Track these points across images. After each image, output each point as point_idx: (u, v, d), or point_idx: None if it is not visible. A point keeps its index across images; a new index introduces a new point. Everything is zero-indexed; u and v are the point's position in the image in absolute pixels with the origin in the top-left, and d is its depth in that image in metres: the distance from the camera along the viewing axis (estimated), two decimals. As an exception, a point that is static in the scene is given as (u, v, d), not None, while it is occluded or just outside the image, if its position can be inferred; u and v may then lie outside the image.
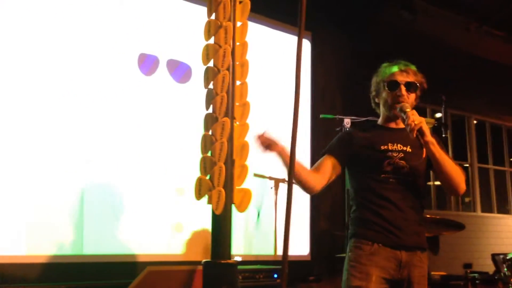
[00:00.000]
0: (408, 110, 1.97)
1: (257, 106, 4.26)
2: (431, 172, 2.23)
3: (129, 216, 3.74)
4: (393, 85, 2.09)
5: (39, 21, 3.57)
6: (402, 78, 2.10)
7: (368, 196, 2.08)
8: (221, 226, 0.84)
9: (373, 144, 2.13)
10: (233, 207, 0.93)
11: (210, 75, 0.89)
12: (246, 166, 0.87)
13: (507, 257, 3.75)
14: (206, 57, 0.90)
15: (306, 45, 5.21)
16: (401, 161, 2.06)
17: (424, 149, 2.01)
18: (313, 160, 4.98)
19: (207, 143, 0.87)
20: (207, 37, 0.91)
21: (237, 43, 0.92)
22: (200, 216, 3.79)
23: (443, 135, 3.79)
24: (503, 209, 7.63)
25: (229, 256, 0.85)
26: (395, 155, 2.08)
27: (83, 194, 3.57)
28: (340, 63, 5.46)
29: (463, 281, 3.90)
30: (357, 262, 2.02)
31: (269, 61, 4.72)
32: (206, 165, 0.86)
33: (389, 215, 2.03)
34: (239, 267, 3.54)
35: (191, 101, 3.95)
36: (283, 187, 4.09)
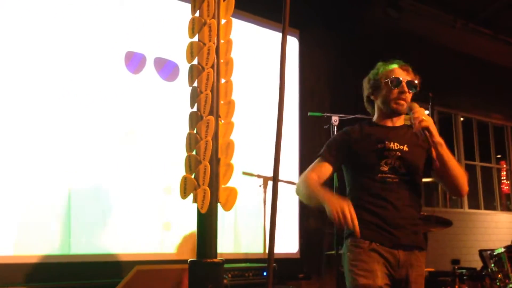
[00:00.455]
0: (416, 108, 1.98)
1: (244, 104, 4.26)
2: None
3: (117, 215, 3.71)
4: (396, 81, 2.09)
5: (21, 21, 3.52)
6: (404, 76, 2.12)
7: (365, 195, 2.06)
8: (206, 225, 0.84)
9: (370, 143, 2.10)
10: (219, 206, 0.92)
11: (194, 73, 0.88)
12: (231, 164, 0.87)
13: (494, 253, 3.80)
14: (191, 55, 0.89)
15: (294, 43, 5.21)
16: (398, 161, 2.05)
17: (430, 148, 2.00)
18: (302, 158, 4.99)
19: (192, 141, 0.86)
20: (191, 34, 0.90)
21: (222, 41, 0.91)
22: (188, 214, 3.78)
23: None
24: (490, 206, 7.72)
25: (215, 255, 0.85)
26: (392, 154, 2.06)
27: (70, 193, 3.54)
28: (328, 61, 5.47)
29: (451, 277, 3.94)
30: (359, 261, 1.98)
31: (256, 59, 4.71)
32: (191, 164, 0.85)
33: (386, 215, 2.01)
34: (229, 265, 3.55)
35: (179, 99, 3.93)
36: (272, 185, 4.09)
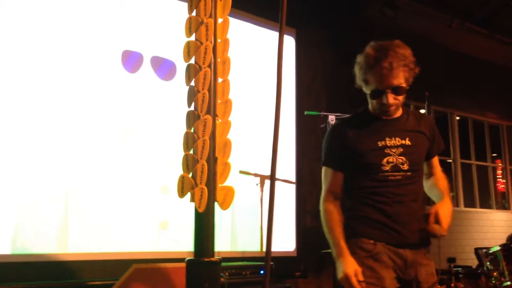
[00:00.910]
0: (437, 233, 1.85)
1: (241, 103, 4.26)
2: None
3: (114, 214, 3.71)
4: (377, 93, 1.92)
5: (18, 20, 3.51)
6: (388, 82, 1.88)
7: (367, 193, 1.95)
8: (204, 223, 0.84)
9: (369, 141, 1.96)
10: (216, 205, 0.92)
11: (191, 72, 0.88)
12: (228, 163, 0.87)
13: (490, 251, 3.81)
14: (188, 54, 0.89)
15: (291, 42, 5.21)
16: (401, 157, 1.92)
17: (431, 137, 1.99)
18: (298, 156, 5.00)
19: (189, 140, 0.86)
20: (188, 34, 0.90)
21: (219, 40, 0.91)
22: (185, 213, 3.78)
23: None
24: (485, 204, 7.75)
25: (212, 253, 0.85)
26: (393, 151, 1.93)
27: (67, 192, 3.54)
28: (324, 60, 5.48)
29: (447, 275, 3.96)
30: (365, 266, 1.86)
31: (253, 58, 4.71)
32: (189, 163, 0.86)
33: (391, 211, 1.90)
34: (226, 263, 3.55)
35: (176, 98, 3.93)
36: (269, 184, 4.09)
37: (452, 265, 4.19)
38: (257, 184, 3.99)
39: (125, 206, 3.76)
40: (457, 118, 7.56)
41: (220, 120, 0.90)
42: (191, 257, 0.86)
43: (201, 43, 0.88)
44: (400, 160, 1.92)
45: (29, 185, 3.38)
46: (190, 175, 0.86)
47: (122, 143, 3.82)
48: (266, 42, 4.83)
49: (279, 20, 0.86)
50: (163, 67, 4.15)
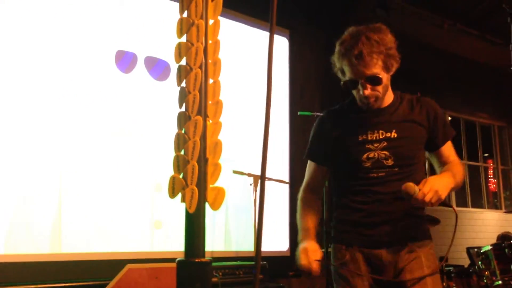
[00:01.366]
0: (414, 193, 1.60)
1: (235, 103, 4.27)
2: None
3: (108, 214, 3.71)
4: (351, 84, 1.77)
5: (12, 22, 3.50)
6: (361, 72, 1.71)
7: (347, 193, 1.83)
8: (194, 224, 0.85)
9: (350, 135, 1.81)
10: (207, 205, 0.93)
11: (182, 73, 0.89)
12: (219, 164, 0.88)
13: (481, 251, 3.83)
14: (179, 55, 0.90)
15: (284, 43, 5.23)
16: (384, 152, 1.75)
17: (431, 125, 1.80)
18: (292, 157, 5.01)
19: (180, 141, 0.87)
20: (179, 35, 0.91)
21: (210, 41, 0.92)
22: (179, 213, 3.79)
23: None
24: (477, 204, 7.81)
25: (203, 254, 0.86)
26: (375, 146, 1.76)
27: (61, 192, 3.53)
28: (318, 60, 5.50)
29: (439, 274, 3.98)
30: (339, 276, 1.80)
31: (247, 58, 4.72)
32: (179, 164, 0.86)
33: (368, 211, 1.76)
34: (220, 263, 3.55)
35: (170, 98, 3.93)
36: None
37: (443, 264, 4.21)
38: (250, 184, 3.99)
39: (119, 206, 3.76)
40: (449, 118, 7.62)
41: (211, 121, 0.91)
42: (181, 258, 0.86)
43: (192, 44, 0.89)
44: (383, 155, 1.74)
45: (22, 185, 3.37)
46: (181, 175, 0.86)
47: (116, 143, 3.82)
48: (260, 43, 4.84)
49: (269, 19, 0.87)
50: (157, 68, 4.15)
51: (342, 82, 1.81)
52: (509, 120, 8.21)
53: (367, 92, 1.74)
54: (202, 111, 0.90)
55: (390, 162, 1.76)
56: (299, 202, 1.97)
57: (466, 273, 4.01)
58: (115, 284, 2.87)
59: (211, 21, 0.95)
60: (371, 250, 1.77)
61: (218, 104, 0.92)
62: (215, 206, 0.88)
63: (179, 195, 0.89)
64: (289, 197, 4.94)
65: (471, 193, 7.67)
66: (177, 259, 0.86)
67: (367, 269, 1.78)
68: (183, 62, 0.93)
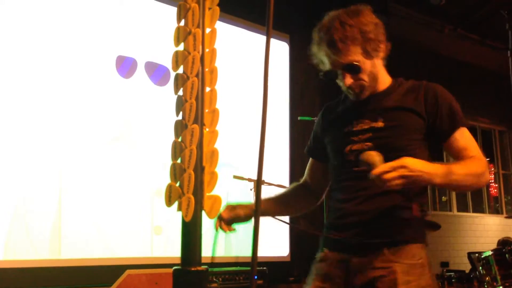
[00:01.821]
0: (372, 164, 1.36)
1: (237, 108, 4.26)
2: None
3: (108, 219, 3.71)
4: (329, 75, 1.65)
5: (13, 26, 3.52)
6: (337, 61, 1.58)
7: (333, 190, 1.67)
8: (190, 232, 0.85)
9: (336, 127, 1.67)
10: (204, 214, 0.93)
11: (179, 81, 0.89)
12: (215, 173, 0.88)
13: (482, 256, 3.82)
14: (176, 64, 0.90)
15: (285, 48, 5.24)
16: (367, 144, 1.55)
17: (432, 112, 1.56)
18: (292, 161, 5.01)
19: (177, 149, 0.87)
20: (177, 43, 0.91)
21: (207, 50, 0.92)
22: (179, 219, 3.78)
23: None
24: (478, 208, 7.79)
25: (199, 262, 0.86)
26: (359, 137, 1.58)
27: (61, 197, 3.53)
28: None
29: (440, 280, 3.97)
30: (314, 286, 1.62)
31: (248, 64, 4.73)
32: (176, 172, 0.86)
33: (345, 210, 1.59)
34: (220, 269, 3.55)
35: (170, 103, 3.93)
36: (263, 189, 4.10)
37: (445, 270, 4.20)
38: (251, 189, 3.99)
39: (119, 211, 3.76)
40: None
41: (207, 129, 0.91)
42: (177, 266, 0.86)
43: (189, 53, 0.89)
44: (366, 147, 1.54)
45: (22, 190, 3.38)
46: (177, 184, 0.87)
47: (116, 148, 3.82)
48: (261, 47, 4.85)
49: (266, 23, 0.87)
50: (157, 73, 4.16)
51: (321, 74, 1.66)
52: (509, 124, 8.20)
53: (348, 81, 1.59)
54: (199, 120, 0.91)
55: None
56: (290, 185, 1.90)
57: (467, 278, 4.01)
58: (114, 290, 2.88)
59: (208, 30, 0.95)
60: (342, 254, 1.57)
61: (215, 113, 0.93)
62: (211, 215, 0.88)
63: (176, 204, 0.89)
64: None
65: (472, 198, 7.65)
66: (174, 268, 0.86)
67: (332, 274, 1.58)
68: (180, 70, 0.94)
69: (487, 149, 8.10)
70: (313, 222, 4.98)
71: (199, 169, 0.89)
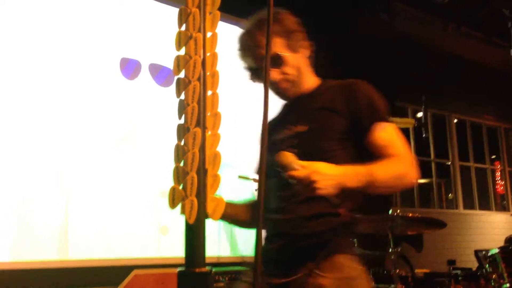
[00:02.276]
0: (287, 165, 1.28)
1: (243, 109, 4.26)
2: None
3: (114, 220, 3.73)
4: (250, 73, 1.62)
5: (17, 28, 3.54)
6: (252, 57, 1.59)
7: (265, 202, 1.48)
8: (194, 235, 0.86)
9: (269, 138, 1.52)
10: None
11: (181, 85, 0.91)
12: (218, 175, 0.89)
13: (489, 254, 3.82)
14: (177, 68, 0.92)
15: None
16: (294, 149, 1.38)
17: (356, 110, 1.48)
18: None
19: (180, 153, 0.89)
20: (178, 48, 0.93)
21: (208, 54, 0.93)
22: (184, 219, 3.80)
23: (424, 135, 3.86)
24: (484, 206, 7.76)
25: (203, 264, 0.87)
26: (286, 144, 1.48)
27: (68, 198, 3.56)
28: (321, 63, 5.51)
29: (447, 278, 3.97)
30: None
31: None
32: (179, 175, 0.88)
33: (267, 224, 1.50)
34: (226, 268, 3.56)
35: (175, 104, 3.94)
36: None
37: (451, 268, 4.19)
38: (256, 190, 4.01)
39: (125, 211, 3.79)
40: (455, 120, 7.59)
41: (210, 133, 0.92)
42: (181, 268, 0.88)
43: (190, 57, 0.90)
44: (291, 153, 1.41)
45: (28, 190, 3.41)
46: (181, 187, 0.88)
47: (121, 149, 3.85)
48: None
49: (267, 24, 0.88)
50: (162, 74, 4.18)
51: (249, 76, 1.61)
52: (515, 121, 8.17)
53: (275, 75, 1.54)
54: (201, 123, 0.92)
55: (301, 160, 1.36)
56: None
57: (473, 276, 4.00)
58: (121, 290, 2.90)
59: (209, 34, 0.96)
60: (267, 277, 1.42)
61: (217, 116, 0.94)
62: (215, 216, 0.89)
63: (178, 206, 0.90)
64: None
65: (479, 196, 7.63)
66: (178, 269, 0.87)
67: None
68: (181, 74, 0.95)
69: (493, 147, 8.07)
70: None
71: (202, 172, 0.90)
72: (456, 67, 6.86)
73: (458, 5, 5.71)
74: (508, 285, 3.58)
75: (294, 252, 1.43)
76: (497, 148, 8.15)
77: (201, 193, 0.88)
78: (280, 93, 1.60)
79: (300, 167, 1.26)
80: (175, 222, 3.98)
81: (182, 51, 0.96)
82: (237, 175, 4.09)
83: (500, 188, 8.04)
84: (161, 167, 3.97)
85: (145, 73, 4.11)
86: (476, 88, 7.14)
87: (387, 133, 1.48)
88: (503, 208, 8.08)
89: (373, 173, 1.35)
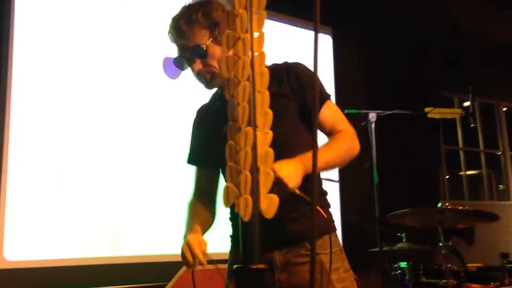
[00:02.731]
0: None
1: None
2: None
3: (162, 216, 3.83)
4: (177, 62, 1.64)
5: (50, 21, 3.69)
6: (179, 46, 1.60)
7: None
8: (250, 232, 0.88)
9: (214, 129, 1.57)
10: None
11: (231, 86, 0.93)
12: (270, 173, 0.91)
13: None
14: (227, 69, 0.94)
15: (328, 40, 5.20)
16: None
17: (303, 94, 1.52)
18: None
19: (232, 152, 0.91)
20: (226, 49, 0.95)
21: (256, 54, 0.95)
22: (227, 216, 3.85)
23: (472, 125, 3.74)
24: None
25: (258, 260, 0.89)
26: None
27: (119, 195, 3.69)
28: (363, 56, 5.43)
29: (500, 272, 3.84)
30: None
31: (291, 58, 4.72)
32: (232, 174, 0.90)
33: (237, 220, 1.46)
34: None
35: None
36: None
37: (505, 261, 4.05)
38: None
39: (174, 208, 3.88)
40: (504, 109, 7.28)
41: (260, 131, 0.94)
42: (238, 265, 0.90)
43: (239, 58, 0.92)
44: None
45: (83, 188, 3.55)
46: (234, 185, 0.90)
47: (173, 147, 3.93)
48: (303, 42, 4.83)
49: (313, 19, 0.89)
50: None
51: (175, 63, 1.62)
52: None
53: (197, 67, 1.56)
54: (252, 122, 0.94)
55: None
56: (187, 207, 1.84)
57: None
58: (173, 285, 2.98)
59: (256, 34, 0.98)
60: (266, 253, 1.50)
61: (267, 114, 0.95)
62: (268, 214, 0.91)
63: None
64: (339, 196, 4.91)
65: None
66: (235, 266, 0.90)
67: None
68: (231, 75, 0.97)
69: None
70: (364, 214, 4.92)
71: (255, 170, 0.91)
72: (505, 53, 6.58)
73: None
74: None
75: (289, 233, 1.53)
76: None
77: (255, 191, 0.90)
78: (203, 83, 1.62)
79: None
80: (221, 219, 4.04)
81: (231, 53, 0.98)
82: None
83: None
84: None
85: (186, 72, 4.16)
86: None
87: (331, 111, 1.61)
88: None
89: (323, 155, 1.45)
